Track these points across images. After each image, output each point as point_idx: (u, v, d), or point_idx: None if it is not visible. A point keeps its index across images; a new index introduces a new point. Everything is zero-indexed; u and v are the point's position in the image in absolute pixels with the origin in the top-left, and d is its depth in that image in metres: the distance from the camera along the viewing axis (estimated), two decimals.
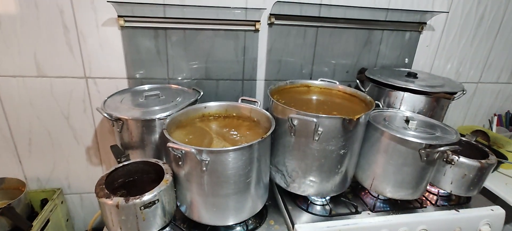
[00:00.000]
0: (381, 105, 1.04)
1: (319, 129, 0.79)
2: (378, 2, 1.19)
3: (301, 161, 0.87)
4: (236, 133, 0.89)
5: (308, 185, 0.89)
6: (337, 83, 1.08)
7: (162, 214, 0.75)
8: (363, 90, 1.16)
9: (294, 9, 1.14)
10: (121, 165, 0.81)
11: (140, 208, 0.69)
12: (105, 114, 0.86)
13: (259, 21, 1.12)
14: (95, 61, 1.09)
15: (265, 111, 0.91)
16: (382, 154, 0.89)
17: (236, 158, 0.73)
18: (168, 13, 1.07)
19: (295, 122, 0.81)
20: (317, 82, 1.09)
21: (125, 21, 1.04)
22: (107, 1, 0.99)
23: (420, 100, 1.05)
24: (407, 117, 0.95)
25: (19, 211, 1.00)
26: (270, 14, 1.12)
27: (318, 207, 0.95)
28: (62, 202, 1.23)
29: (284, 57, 1.22)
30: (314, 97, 1.07)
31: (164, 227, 0.78)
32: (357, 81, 1.20)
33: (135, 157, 0.93)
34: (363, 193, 1.01)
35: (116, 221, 0.70)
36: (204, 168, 0.71)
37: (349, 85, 1.07)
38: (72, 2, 0.99)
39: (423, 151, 0.82)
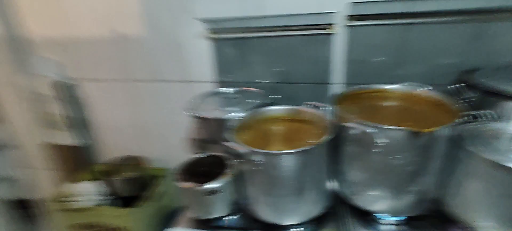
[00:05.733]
0: (483, 117, 0.83)
1: (381, 140, 0.72)
2: None
3: (363, 172, 0.81)
4: (297, 137, 0.91)
5: (371, 200, 0.83)
6: (421, 87, 0.93)
7: (225, 202, 0.87)
8: (463, 96, 0.95)
9: (374, 7, 1.04)
10: (198, 156, 0.98)
11: (205, 193, 0.82)
12: (190, 113, 1.05)
13: (335, 24, 1.09)
14: (192, 67, 1.32)
15: (328, 117, 0.89)
16: (476, 180, 0.72)
17: (290, 162, 0.76)
18: (249, 24, 1.18)
19: (357, 131, 0.77)
20: (397, 87, 0.97)
21: (215, 33, 1.22)
22: (193, 18, 1.19)
23: None
24: None
25: (137, 183, 1.35)
26: (349, 15, 1.07)
27: (387, 228, 0.86)
28: (168, 179, 1.56)
29: (366, 60, 1.14)
30: (392, 104, 0.96)
31: (227, 214, 0.90)
32: (457, 85, 0.99)
33: (213, 150, 1.09)
34: (451, 224, 0.84)
35: (188, 201, 0.86)
36: (259, 169, 0.78)
37: (447, 91, 0.90)
38: (180, 22, 1.26)
39: None
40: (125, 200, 1.36)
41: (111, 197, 1.40)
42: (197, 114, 1.04)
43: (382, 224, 0.87)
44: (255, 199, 0.87)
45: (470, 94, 0.95)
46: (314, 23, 1.11)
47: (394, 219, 0.86)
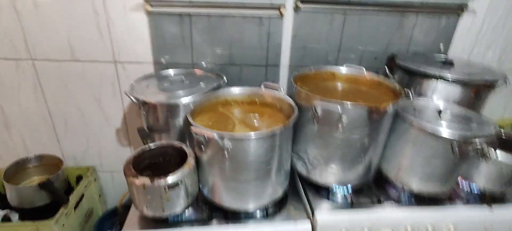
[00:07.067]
0: (411, 95, 0.98)
1: (343, 117, 0.77)
2: None
3: (323, 149, 0.86)
4: (258, 119, 0.89)
5: (330, 174, 0.88)
6: (364, 70, 1.03)
7: (185, 195, 0.78)
8: (392, 78, 1.10)
9: None
10: (147, 147, 0.85)
11: (164, 188, 0.72)
12: (132, 98, 0.90)
13: (284, 5, 1.09)
14: (123, 46, 1.12)
15: (288, 98, 0.90)
16: (410, 145, 0.85)
17: (257, 145, 0.73)
18: None
19: (319, 110, 0.79)
20: (343, 69, 1.05)
21: (151, 6, 1.06)
22: None
23: (455, 90, 0.98)
24: (439, 108, 0.89)
25: (57, 185, 1.09)
26: None
27: (340, 196, 0.93)
28: (95, 179, 1.32)
29: (310, 44, 1.19)
30: (340, 85, 1.03)
31: (187, 207, 0.82)
32: (386, 68, 1.14)
33: (160, 139, 0.96)
34: (387, 185, 0.97)
35: (142, 200, 0.74)
36: (226, 154, 0.72)
37: (377, 73, 1.02)
38: None
39: (455, 144, 0.77)
40: (39, 211, 1.08)
41: (17, 209, 1.09)
42: (142, 100, 0.89)
43: (336, 194, 0.94)
44: (218, 187, 0.81)
45: (396, 76, 1.10)
46: (264, 3, 1.09)
47: (346, 188, 0.94)
